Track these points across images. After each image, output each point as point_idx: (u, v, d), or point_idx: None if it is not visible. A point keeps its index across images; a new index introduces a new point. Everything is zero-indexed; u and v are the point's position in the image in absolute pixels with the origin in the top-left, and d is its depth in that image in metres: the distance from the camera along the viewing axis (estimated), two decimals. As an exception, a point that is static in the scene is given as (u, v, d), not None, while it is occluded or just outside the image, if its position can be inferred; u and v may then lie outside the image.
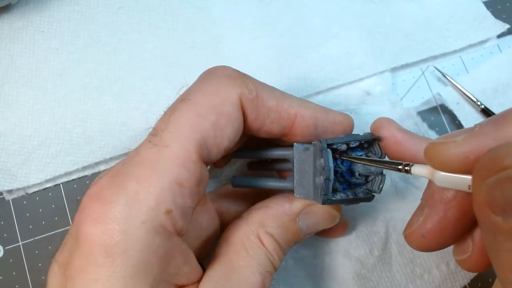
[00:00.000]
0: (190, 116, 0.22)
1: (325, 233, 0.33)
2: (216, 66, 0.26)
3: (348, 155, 0.26)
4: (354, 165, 0.27)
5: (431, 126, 0.38)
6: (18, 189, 0.34)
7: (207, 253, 0.28)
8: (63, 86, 0.36)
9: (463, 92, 0.38)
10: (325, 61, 0.38)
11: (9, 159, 0.34)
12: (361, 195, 0.26)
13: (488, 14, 0.40)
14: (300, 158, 0.26)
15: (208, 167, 0.27)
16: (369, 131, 0.27)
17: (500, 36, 0.40)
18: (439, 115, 0.39)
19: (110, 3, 0.38)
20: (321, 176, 0.24)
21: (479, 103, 0.37)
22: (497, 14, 0.40)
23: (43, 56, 0.36)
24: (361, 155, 0.26)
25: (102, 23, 0.37)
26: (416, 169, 0.21)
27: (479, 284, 0.36)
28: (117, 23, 0.37)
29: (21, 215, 0.34)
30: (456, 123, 0.38)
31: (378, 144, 0.26)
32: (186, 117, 0.22)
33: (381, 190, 0.26)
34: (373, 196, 0.27)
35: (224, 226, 0.29)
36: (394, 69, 0.38)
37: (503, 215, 0.16)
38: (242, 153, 0.30)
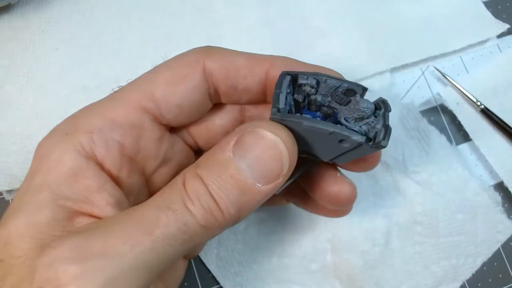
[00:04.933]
0: (148, 74, 0.24)
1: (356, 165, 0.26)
2: None
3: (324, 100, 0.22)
4: (339, 111, 0.22)
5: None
6: (18, 189, 0.34)
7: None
8: (63, 86, 0.36)
9: (463, 92, 0.38)
10: (325, 61, 0.37)
11: (9, 159, 0.34)
12: (342, 131, 0.19)
13: (488, 14, 0.40)
14: None
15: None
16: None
17: (500, 36, 0.40)
18: (439, 115, 0.39)
19: (110, 3, 0.38)
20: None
21: (479, 103, 0.37)
22: (497, 14, 0.40)
23: (43, 56, 0.36)
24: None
25: (102, 23, 0.37)
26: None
27: (479, 284, 0.36)
28: (117, 23, 0.37)
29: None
30: (456, 123, 0.38)
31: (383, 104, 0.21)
32: (144, 75, 0.24)
33: (386, 141, 0.20)
34: (369, 141, 0.20)
35: None
36: (394, 69, 0.38)
37: None
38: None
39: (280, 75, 0.21)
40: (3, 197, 0.34)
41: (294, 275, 0.34)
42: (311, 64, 0.25)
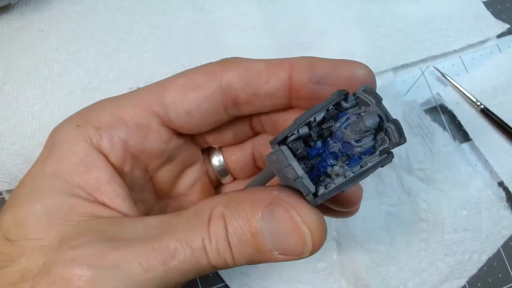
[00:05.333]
0: (165, 79, 0.24)
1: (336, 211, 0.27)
2: None
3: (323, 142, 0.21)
4: (343, 134, 0.21)
5: (431, 126, 0.38)
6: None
7: None
8: (63, 86, 0.36)
9: (462, 92, 0.38)
10: (325, 61, 0.38)
11: (9, 159, 0.34)
12: (369, 164, 0.19)
13: (488, 14, 0.40)
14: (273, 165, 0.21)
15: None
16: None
17: (500, 36, 0.40)
18: (438, 115, 0.39)
19: (110, 3, 0.38)
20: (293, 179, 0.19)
21: (478, 103, 0.37)
22: (497, 14, 0.40)
23: (43, 56, 0.36)
24: (345, 122, 0.20)
25: (102, 23, 0.37)
26: None
27: (479, 284, 0.36)
28: (117, 23, 0.37)
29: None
30: (455, 123, 0.38)
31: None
32: (161, 80, 0.24)
33: (404, 138, 0.19)
34: (392, 154, 0.20)
35: None
36: (394, 69, 0.38)
37: None
38: None
39: (277, 152, 0.20)
40: (3, 197, 0.34)
41: (300, 274, 0.34)
42: (333, 60, 0.24)
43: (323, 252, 0.34)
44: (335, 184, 0.19)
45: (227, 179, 0.29)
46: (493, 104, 0.38)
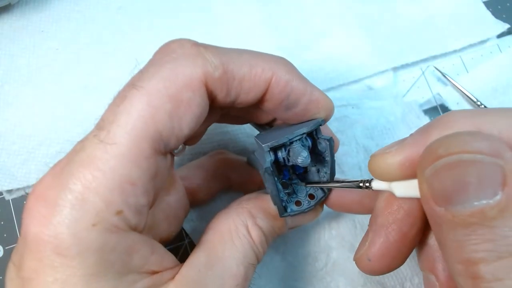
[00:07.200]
0: (143, 107, 0.20)
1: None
2: (172, 43, 0.24)
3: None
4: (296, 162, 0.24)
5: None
6: (18, 189, 0.34)
7: (176, 231, 0.27)
8: (63, 86, 0.36)
9: (463, 92, 0.38)
10: (325, 61, 0.38)
11: (9, 159, 0.34)
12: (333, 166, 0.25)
13: (488, 14, 0.40)
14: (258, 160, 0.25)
15: (180, 146, 0.24)
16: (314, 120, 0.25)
17: (500, 36, 0.40)
18: (438, 115, 0.39)
19: (110, 3, 0.38)
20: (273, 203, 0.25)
21: (479, 103, 0.37)
22: (497, 14, 0.40)
23: (43, 56, 0.36)
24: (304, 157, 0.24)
25: (102, 23, 0.37)
26: (375, 184, 0.22)
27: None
28: (117, 23, 0.37)
29: (21, 215, 0.34)
30: (456, 123, 0.38)
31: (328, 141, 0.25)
32: (137, 108, 0.20)
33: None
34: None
35: (196, 202, 0.30)
36: (394, 69, 0.38)
37: (445, 205, 0.16)
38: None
39: (267, 178, 0.24)
40: (3, 197, 0.34)
41: (298, 273, 0.34)
42: (308, 86, 0.25)
43: (321, 252, 0.34)
44: (304, 207, 0.26)
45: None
46: (494, 104, 0.38)
